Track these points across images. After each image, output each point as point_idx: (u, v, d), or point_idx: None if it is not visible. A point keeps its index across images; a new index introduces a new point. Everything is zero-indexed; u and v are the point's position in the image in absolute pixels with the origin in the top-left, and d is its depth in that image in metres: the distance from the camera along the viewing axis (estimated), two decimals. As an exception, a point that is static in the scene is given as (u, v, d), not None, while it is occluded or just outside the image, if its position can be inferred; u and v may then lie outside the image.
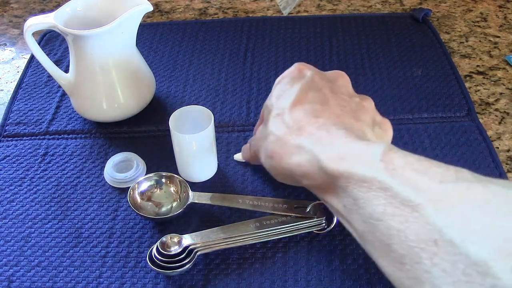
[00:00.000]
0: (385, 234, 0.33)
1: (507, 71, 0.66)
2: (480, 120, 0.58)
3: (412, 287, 0.31)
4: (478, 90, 0.63)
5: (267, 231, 0.46)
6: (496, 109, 0.60)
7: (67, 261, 0.47)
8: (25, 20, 0.55)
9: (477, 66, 0.67)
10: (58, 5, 0.73)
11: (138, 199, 0.49)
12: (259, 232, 0.46)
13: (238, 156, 0.55)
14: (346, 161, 0.36)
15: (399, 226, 0.32)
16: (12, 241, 0.48)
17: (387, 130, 0.46)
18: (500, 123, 0.59)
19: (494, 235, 0.28)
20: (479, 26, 0.73)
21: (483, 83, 0.64)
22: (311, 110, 0.42)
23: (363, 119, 0.43)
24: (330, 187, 0.38)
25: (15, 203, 0.52)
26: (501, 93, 0.63)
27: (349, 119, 0.41)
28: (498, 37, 0.71)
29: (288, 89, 0.44)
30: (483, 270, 0.27)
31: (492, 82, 0.64)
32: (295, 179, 0.41)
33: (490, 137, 0.57)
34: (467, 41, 0.71)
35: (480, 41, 0.71)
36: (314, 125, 0.41)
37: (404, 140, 0.56)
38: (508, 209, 0.29)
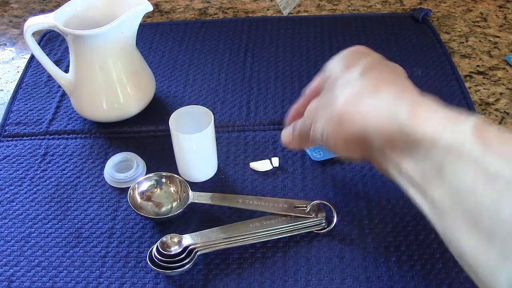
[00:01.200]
0: (475, 208, 0.31)
1: (507, 71, 0.66)
2: (480, 120, 0.58)
3: (499, 264, 0.29)
4: (478, 90, 0.63)
5: (267, 231, 0.46)
6: (496, 109, 0.60)
7: (67, 261, 0.47)
8: (25, 20, 0.55)
9: (477, 66, 0.67)
10: (58, 5, 0.72)
11: (138, 199, 0.49)
12: (259, 232, 0.46)
13: (254, 165, 0.54)
14: (431, 123, 0.33)
15: (492, 200, 0.30)
16: (12, 241, 0.48)
17: None
18: (500, 123, 0.59)
19: None
20: (479, 26, 0.73)
21: (483, 83, 0.64)
22: (386, 75, 0.40)
23: None
24: (408, 149, 0.34)
25: (15, 203, 0.52)
26: (501, 93, 0.63)
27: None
28: (498, 37, 0.71)
29: (357, 61, 0.41)
30: None
31: (492, 82, 0.64)
32: (367, 140, 0.37)
33: (490, 137, 0.57)
34: (467, 41, 0.71)
35: (480, 41, 0.71)
36: (391, 86, 0.38)
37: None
38: None
